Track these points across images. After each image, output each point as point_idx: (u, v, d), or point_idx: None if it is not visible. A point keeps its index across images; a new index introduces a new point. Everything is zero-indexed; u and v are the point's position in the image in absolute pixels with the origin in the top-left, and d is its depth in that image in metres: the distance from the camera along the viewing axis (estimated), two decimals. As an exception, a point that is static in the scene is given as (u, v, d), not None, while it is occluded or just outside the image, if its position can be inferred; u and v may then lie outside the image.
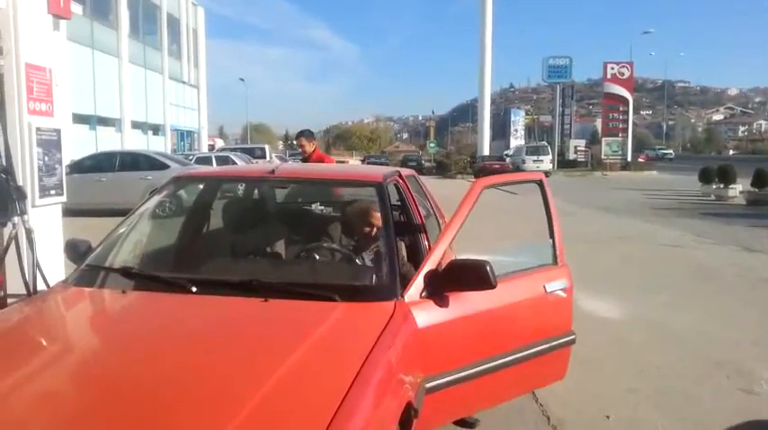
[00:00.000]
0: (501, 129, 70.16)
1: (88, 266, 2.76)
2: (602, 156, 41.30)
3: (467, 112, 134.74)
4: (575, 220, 12.22)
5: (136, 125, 29.91)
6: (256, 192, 3.91)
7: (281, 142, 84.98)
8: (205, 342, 2.13)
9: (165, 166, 14.04)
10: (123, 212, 4.94)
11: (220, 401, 1.69)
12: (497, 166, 33.78)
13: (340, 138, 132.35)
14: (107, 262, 2.81)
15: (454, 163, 41.32)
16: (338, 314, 2.29)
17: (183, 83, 37.70)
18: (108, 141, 26.19)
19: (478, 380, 2.64)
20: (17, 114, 4.82)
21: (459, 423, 2.94)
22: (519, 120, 70.90)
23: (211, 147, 37.62)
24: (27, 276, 4.57)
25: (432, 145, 56.27)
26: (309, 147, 6.33)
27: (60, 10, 5.61)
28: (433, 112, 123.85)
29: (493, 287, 2.42)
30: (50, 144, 5.34)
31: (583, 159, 43.37)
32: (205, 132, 42.06)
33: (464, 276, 2.46)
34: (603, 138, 42.66)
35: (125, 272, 2.65)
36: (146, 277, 2.60)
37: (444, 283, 2.50)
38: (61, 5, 5.61)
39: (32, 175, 4.98)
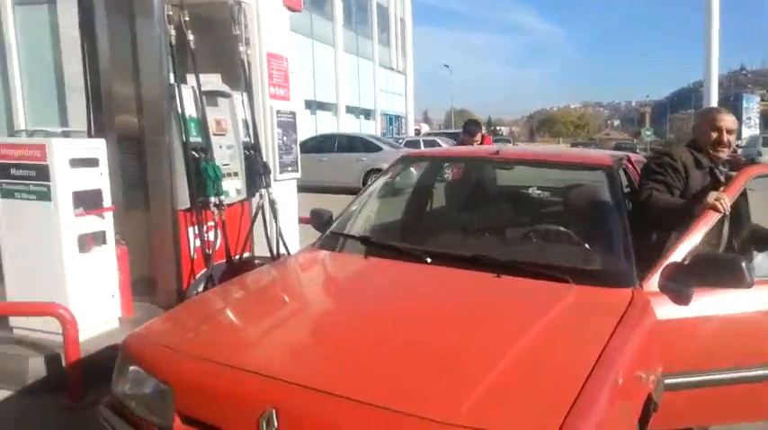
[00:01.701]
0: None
1: (332, 233, 3.06)
2: None
3: (688, 98, 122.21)
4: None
5: (349, 110, 31.96)
6: (476, 173, 3.98)
7: (482, 128, 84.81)
8: (445, 307, 2.27)
9: (378, 149, 14.85)
10: (342, 190, 5.39)
11: (461, 371, 1.78)
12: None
13: (544, 125, 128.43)
14: (346, 230, 3.10)
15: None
16: (573, 296, 2.27)
17: (392, 69, 39.33)
18: (326, 125, 28.33)
19: (721, 389, 2.43)
20: (261, 99, 5.43)
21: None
22: (753, 107, 62.84)
23: (417, 132, 38.80)
24: (272, 242, 5.21)
25: (647, 133, 52.01)
26: (477, 142, 6.34)
27: (293, 2, 6.17)
28: (647, 97, 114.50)
29: (748, 286, 2.21)
30: (288, 125, 5.95)
31: (834, 152, 37.11)
32: (411, 117, 43.54)
33: (714, 271, 2.27)
34: None
35: (365, 240, 2.89)
36: (384, 246, 2.81)
37: (689, 277, 2.32)
38: (293, -2, 6.17)
39: (274, 153, 5.59)
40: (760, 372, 2.43)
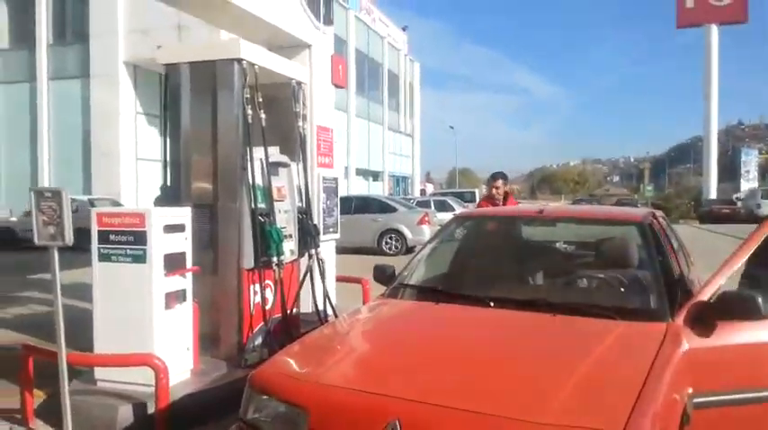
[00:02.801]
0: (727, 171, 63.57)
1: (400, 284, 3.53)
2: None
3: (687, 153, 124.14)
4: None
5: (359, 172, 32.85)
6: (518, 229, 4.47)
7: (484, 186, 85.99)
8: (517, 339, 2.75)
9: (394, 209, 15.44)
10: (356, 250, 5.85)
11: (542, 386, 2.25)
12: (727, 211, 30.87)
13: (545, 182, 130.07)
14: (411, 282, 3.57)
15: (675, 207, 38.53)
16: (620, 329, 2.73)
17: (400, 132, 40.56)
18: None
19: (742, 409, 2.83)
20: (310, 167, 6.00)
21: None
22: (751, 161, 63.70)
23: (422, 192, 39.61)
24: (317, 298, 5.67)
25: (648, 188, 52.88)
26: (503, 189, 5.93)
27: (339, 80, 6.85)
28: (647, 153, 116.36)
29: (761, 318, 2.66)
30: (330, 190, 6.52)
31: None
32: (417, 178, 44.52)
33: (733, 306, 2.73)
34: None
35: (429, 290, 3.36)
36: (450, 294, 3.28)
37: (713, 312, 2.78)
38: (340, 76, 6.86)
39: (319, 216, 6.12)
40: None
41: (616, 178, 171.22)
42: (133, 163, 18.41)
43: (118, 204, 15.52)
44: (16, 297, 8.31)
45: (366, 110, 33.47)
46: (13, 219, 16.66)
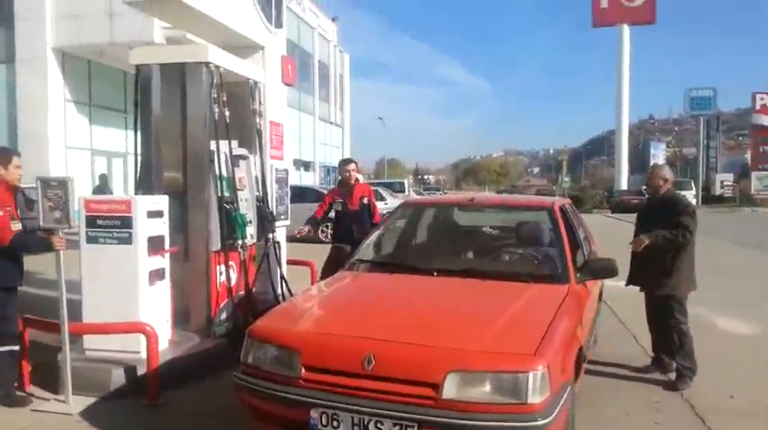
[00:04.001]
0: (639, 163, 67.83)
1: (358, 260, 4.26)
2: (752, 192, 39.14)
3: (601, 145, 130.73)
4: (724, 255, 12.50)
5: (293, 162, 33.19)
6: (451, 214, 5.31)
7: (410, 176, 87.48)
8: (457, 295, 3.59)
9: (329, 198, 16.08)
10: (294, 239, 6.56)
11: (479, 323, 3.09)
12: (636, 201, 33.27)
13: (469, 173, 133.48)
14: (366, 258, 4.32)
15: (589, 197, 41.05)
16: (534, 289, 3.60)
17: (330, 123, 41.04)
18: (268, 177, 29.33)
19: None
20: (266, 159, 6.59)
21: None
22: (659, 154, 68.25)
23: (352, 182, 40.26)
24: (275, 281, 6.31)
25: (566, 179, 55.79)
26: (354, 174, 6.65)
27: (289, 79, 7.46)
28: (565, 146, 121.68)
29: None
30: (282, 181, 7.13)
31: (730, 194, 41.20)
32: (347, 168, 45.16)
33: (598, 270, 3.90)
34: (753, 173, 40.41)
35: (385, 263, 4.12)
36: (402, 266, 4.05)
37: (588, 275, 3.85)
38: (289, 75, 7.47)
39: (272, 204, 6.73)
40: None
41: (536, 170, 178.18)
42: (62, 151, 18.14)
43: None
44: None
45: (297, 100, 33.75)
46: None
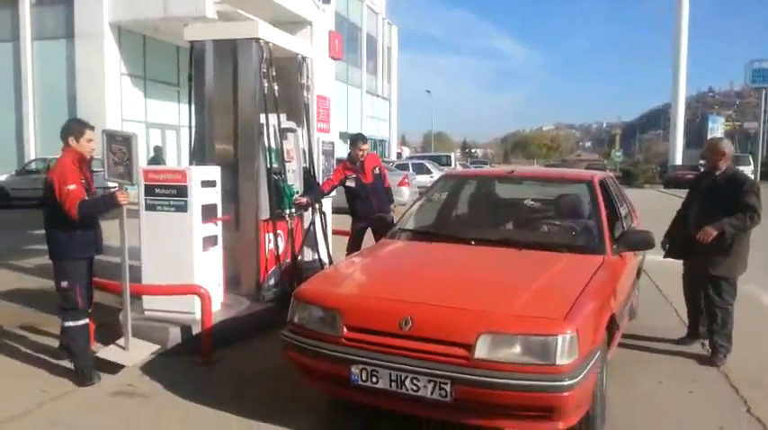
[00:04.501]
0: (697, 137, 65.48)
1: (400, 229, 4.43)
2: (818, 167, 37.38)
3: (658, 118, 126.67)
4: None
5: (339, 135, 33.46)
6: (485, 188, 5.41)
7: (458, 150, 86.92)
8: (493, 263, 3.72)
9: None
10: (342, 210, 6.77)
11: (513, 290, 3.21)
12: (690, 176, 32.28)
13: (518, 146, 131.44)
14: (409, 227, 4.49)
15: (641, 172, 40.03)
16: (568, 258, 3.70)
17: (378, 96, 41.08)
18: (316, 149, 29.70)
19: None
20: (313, 132, 6.80)
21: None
22: (717, 128, 65.44)
23: (399, 155, 40.38)
24: (320, 247, 6.55)
25: (618, 154, 54.40)
26: (364, 151, 6.41)
27: (336, 53, 7.61)
28: (619, 119, 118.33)
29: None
30: (328, 153, 7.35)
31: (793, 170, 39.35)
32: (394, 141, 45.24)
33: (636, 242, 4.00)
34: (820, 147, 38.51)
35: (425, 232, 4.28)
36: (441, 235, 4.20)
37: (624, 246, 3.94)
38: (336, 50, 7.62)
39: (319, 176, 6.95)
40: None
41: (588, 143, 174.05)
42: (119, 124, 18.79)
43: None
44: (29, 250, 8.97)
45: (345, 73, 33.89)
46: (2, 178, 17.03)
